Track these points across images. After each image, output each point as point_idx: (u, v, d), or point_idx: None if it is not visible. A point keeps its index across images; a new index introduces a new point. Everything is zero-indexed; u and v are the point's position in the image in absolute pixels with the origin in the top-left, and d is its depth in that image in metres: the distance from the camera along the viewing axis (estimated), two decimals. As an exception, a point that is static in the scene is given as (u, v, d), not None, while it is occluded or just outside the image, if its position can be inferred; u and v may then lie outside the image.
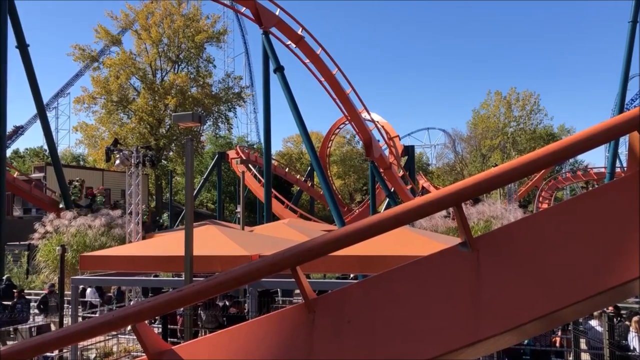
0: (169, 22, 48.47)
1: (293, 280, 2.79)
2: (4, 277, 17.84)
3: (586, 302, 2.60)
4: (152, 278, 13.61)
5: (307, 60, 31.75)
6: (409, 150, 45.96)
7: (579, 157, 61.77)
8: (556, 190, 52.64)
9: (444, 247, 2.83)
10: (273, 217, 31.52)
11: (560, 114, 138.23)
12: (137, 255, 11.18)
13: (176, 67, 50.98)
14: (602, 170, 48.98)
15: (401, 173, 41.16)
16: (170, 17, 48.68)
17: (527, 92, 61.60)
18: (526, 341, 9.94)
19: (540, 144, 56.95)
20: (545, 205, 46.93)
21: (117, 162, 19.90)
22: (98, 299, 16.84)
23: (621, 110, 31.07)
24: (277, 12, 29.71)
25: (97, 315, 15.97)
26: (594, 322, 10.38)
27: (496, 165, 40.64)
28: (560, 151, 2.66)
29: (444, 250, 2.75)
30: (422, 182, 52.11)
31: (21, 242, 27.95)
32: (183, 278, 9.47)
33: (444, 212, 20.32)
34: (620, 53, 30.54)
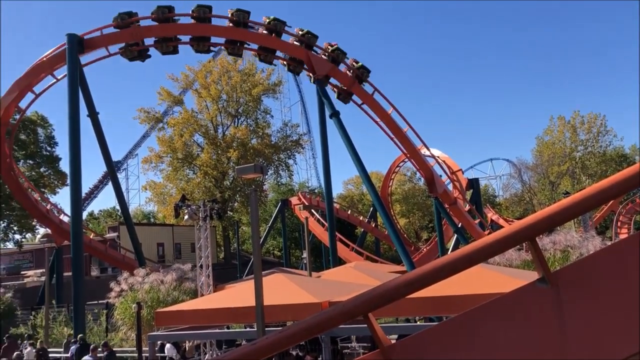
0: (226, 78, 50.40)
1: (364, 325, 2.74)
2: (79, 337, 18.39)
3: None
4: (225, 330, 13.71)
5: (361, 102, 32.07)
6: (473, 184, 45.05)
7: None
8: (635, 213, 49.87)
9: (520, 283, 2.72)
10: (339, 261, 31.35)
11: (632, 133, 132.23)
12: (210, 308, 11.33)
13: (236, 120, 52.64)
14: (684, 188, 46.21)
15: (467, 207, 40.24)
16: (227, 74, 50.65)
17: (592, 114, 59.58)
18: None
19: (612, 166, 54.54)
20: (624, 231, 44.51)
21: (186, 217, 20.44)
22: (176, 354, 17.09)
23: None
24: (323, 55, 30.30)
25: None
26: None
27: (567, 192, 39.13)
28: (636, 176, 2.52)
29: (521, 288, 2.63)
30: (491, 214, 50.68)
31: (99, 301, 28.95)
32: (255, 329, 9.49)
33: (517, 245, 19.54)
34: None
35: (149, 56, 29.24)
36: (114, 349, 16.74)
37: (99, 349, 14.75)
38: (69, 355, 17.10)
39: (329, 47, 30.99)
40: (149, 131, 63.39)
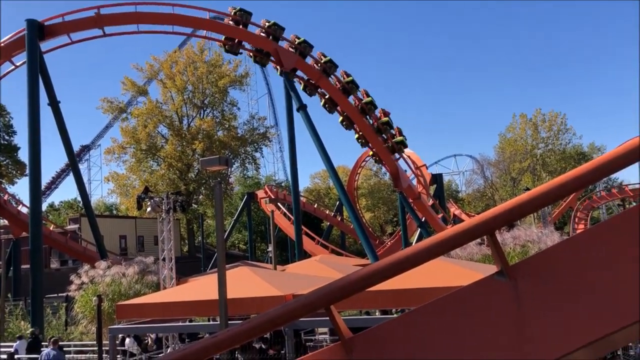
0: (192, 69, 49.74)
1: (328, 318, 2.74)
2: (29, 331, 17.92)
3: (636, 326, 2.49)
4: (187, 324, 13.59)
5: (328, 96, 32.11)
6: (437, 179, 45.68)
7: (613, 175, 60.41)
8: (592, 210, 51.41)
9: (480, 276, 2.76)
10: (305, 254, 31.39)
11: (590, 132, 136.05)
12: (172, 302, 11.20)
13: (202, 112, 52.04)
14: (637, 186, 47.76)
15: (431, 202, 40.78)
16: (194, 64, 49.98)
17: (553, 112, 61.05)
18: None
19: (571, 163, 56.03)
20: (581, 226, 45.84)
21: (149, 209, 20.15)
22: (137, 347, 16.86)
23: (652, 124, 30.45)
24: (289, 47, 30.24)
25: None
26: (645, 345, 9.96)
27: (527, 188, 40.02)
28: (592, 172, 2.59)
29: (480, 281, 2.67)
30: (453, 209, 51.49)
31: (59, 294, 28.34)
32: (218, 322, 9.43)
33: (478, 239, 19.94)
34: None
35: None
36: (72, 344, 16.42)
37: (50, 346, 14.37)
38: (12, 350, 16.53)
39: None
40: (112, 121, 62.15)
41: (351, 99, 32.55)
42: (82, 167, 68.40)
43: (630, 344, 9.38)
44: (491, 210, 2.64)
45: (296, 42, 30.60)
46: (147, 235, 48.09)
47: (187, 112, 51.56)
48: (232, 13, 29.99)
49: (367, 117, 32.92)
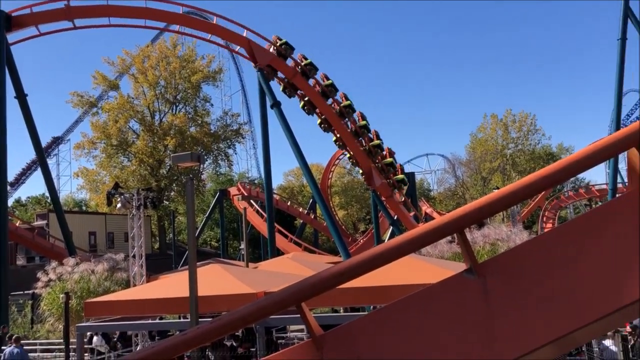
0: (164, 64, 49.14)
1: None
2: None
3: (600, 322, 2.55)
4: (157, 321, 13.45)
5: (303, 95, 32.07)
6: (409, 177, 45.97)
7: (580, 175, 61.71)
8: (559, 209, 52.47)
9: (450, 274, 2.79)
10: (277, 252, 31.33)
11: (559, 132, 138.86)
12: (142, 299, 11.07)
13: (174, 108, 51.46)
14: (604, 186, 48.93)
15: (403, 200, 41.07)
16: (166, 59, 49.38)
17: (523, 113, 62.03)
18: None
19: (540, 163, 57.05)
20: (549, 225, 46.73)
21: (119, 205, 19.87)
22: (105, 346, 16.62)
23: (618, 126, 31.22)
24: (271, 49, 30.15)
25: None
26: (608, 342, 10.21)
27: (497, 188, 40.63)
28: (560, 172, 2.64)
29: (450, 278, 2.71)
30: (425, 208, 51.99)
31: (25, 292, 27.75)
32: (189, 319, 9.35)
33: (448, 238, 20.21)
34: (613, 69, 30.84)
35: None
36: (38, 342, 16.08)
37: (12, 344, 14.05)
38: None
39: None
40: (82, 116, 60.96)
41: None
42: (51, 162, 67.01)
43: (594, 340, 9.62)
44: (461, 208, 2.67)
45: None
46: (117, 232, 47.37)
47: (159, 107, 50.93)
48: (277, 44, 30.37)
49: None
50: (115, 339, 17.56)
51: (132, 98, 49.91)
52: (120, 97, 48.84)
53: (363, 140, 33.91)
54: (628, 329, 10.83)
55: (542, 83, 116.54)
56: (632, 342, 10.24)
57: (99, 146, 48.42)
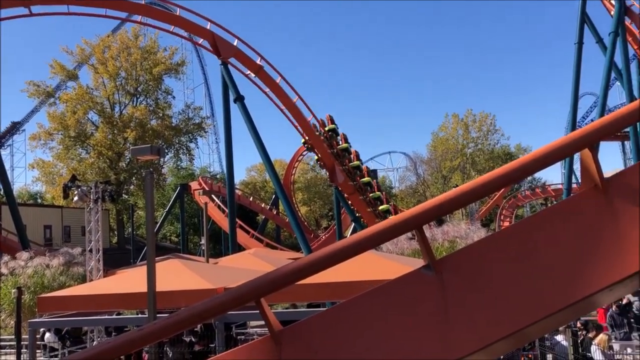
0: (125, 55, 48.15)
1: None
2: None
3: (551, 318, 2.62)
4: (114, 317, 13.20)
5: (267, 89, 31.94)
6: (372, 175, 46.29)
7: (537, 175, 63.37)
8: (516, 208, 53.77)
9: (409, 269, 2.82)
10: (239, 248, 31.15)
11: (517, 133, 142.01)
12: (99, 294, 10.84)
13: (135, 100, 50.52)
14: (560, 186, 50.33)
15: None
16: (127, 50, 48.40)
17: (483, 113, 63.28)
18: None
19: (499, 163, 58.30)
20: (506, 223, 47.82)
21: (76, 198, 19.42)
22: (59, 342, 16.21)
23: (573, 127, 32.15)
24: (235, 42, 29.90)
25: None
26: (559, 337, 10.52)
27: (456, 186, 41.31)
28: (516, 171, 2.70)
29: (408, 274, 2.74)
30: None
31: (-25, 286, 26.80)
32: (147, 315, 9.21)
33: (408, 234, 20.50)
34: (569, 73, 31.72)
35: None
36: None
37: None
38: None
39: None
40: (38, 106, 59.18)
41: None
42: (5, 152, 65.01)
43: (547, 335, 9.90)
44: (420, 205, 2.71)
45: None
46: (74, 226, 46.23)
47: (119, 99, 49.89)
48: (325, 128, 32.74)
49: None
50: (64, 335, 17.14)
51: (92, 89, 48.78)
52: (79, 87, 47.64)
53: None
54: (579, 324, 11.21)
55: (502, 84, 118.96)
56: (582, 337, 10.60)
57: (56, 137, 47.17)
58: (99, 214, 19.45)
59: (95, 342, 16.05)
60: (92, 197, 19.10)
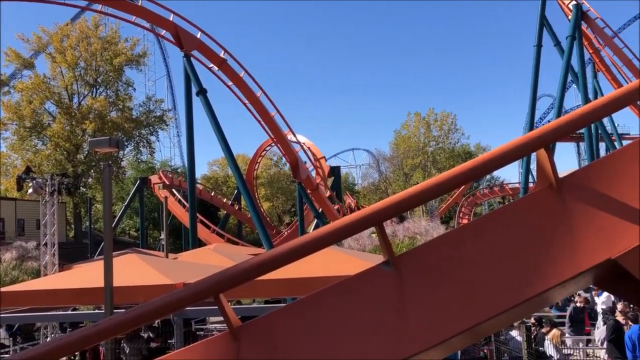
0: (85, 45, 46.97)
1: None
2: None
3: (506, 314, 2.68)
4: (69, 312, 12.89)
5: (230, 83, 31.62)
6: (335, 171, 46.56)
7: (495, 174, 64.75)
8: (475, 206, 54.86)
9: (369, 265, 2.84)
10: (199, 243, 30.80)
11: (477, 133, 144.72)
12: (54, 289, 10.55)
13: (94, 90, 49.37)
14: (517, 185, 51.53)
15: (328, 193, 41.51)
16: (87, 40, 47.22)
17: (445, 112, 64.26)
18: (452, 355, 10.17)
19: (459, 161, 59.30)
20: (465, 221, 48.74)
21: (30, 190, 18.88)
22: (10, 339, 15.75)
23: (531, 128, 32.93)
24: (199, 35, 29.49)
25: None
26: (514, 333, 10.79)
27: (417, 183, 41.92)
28: (474, 169, 2.75)
29: (368, 270, 2.76)
30: (349, 201, 52.81)
31: None
32: (103, 311, 9.03)
33: (370, 231, 20.69)
34: (528, 74, 32.47)
35: None
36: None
37: None
38: None
39: None
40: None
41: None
42: (-45, 142, 62.52)
43: (502, 330, 10.14)
44: (380, 202, 2.73)
45: None
46: (29, 219, 44.88)
47: (78, 89, 48.66)
48: None
49: None
50: (15, 331, 16.66)
51: (49, 78, 47.44)
52: (36, 76, 46.26)
53: None
54: (532, 320, 11.52)
55: (464, 85, 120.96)
56: (535, 332, 10.90)
57: (11, 127, 45.71)
58: (54, 207, 18.96)
59: (48, 339, 15.65)
60: (47, 190, 18.60)
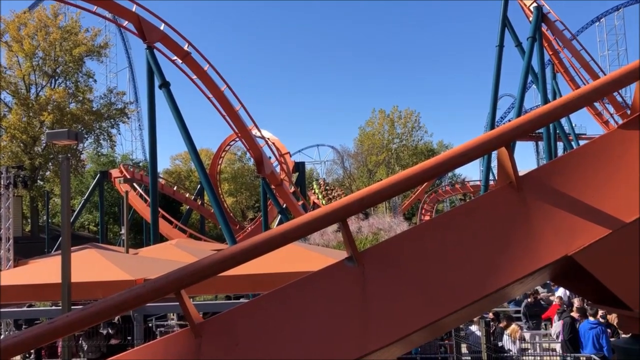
0: (44, 34, 45.61)
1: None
2: None
3: (466, 309, 2.72)
4: (24, 309, 12.55)
5: (194, 76, 31.21)
6: (299, 167, 46.48)
7: (457, 171, 65.80)
8: (437, 202, 55.68)
9: (333, 261, 2.85)
10: (161, 238, 30.37)
11: (439, 131, 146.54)
12: (8, 285, 10.24)
13: (53, 81, 48.02)
14: (478, 183, 52.52)
15: (292, 189, 41.44)
16: (46, 29, 45.84)
17: (409, 110, 64.84)
18: (414, 350, 10.31)
19: (422, 159, 60.02)
20: (427, 217, 49.43)
21: (-16, 183, 18.27)
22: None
23: (492, 127, 33.57)
24: (162, 26, 29.00)
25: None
26: (474, 328, 10.99)
27: (381, 180, 42.26)
28: (436, 167, 2.78)
29: (331, 266, 2.76)
30: (313, 197, 52.88)
31: None
32: (61, 307, 8.81)
33: (335, 227, 20.77)
34: (490, 74, 33.07)
35: None
36: None
37: None
38: None
39: None
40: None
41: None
42: None
43: (462, 325, 10.33)
44: (344, 198, 2.73)
45: None
46: (-18, 213, 43.50)
47: (35, 80, 47.24)
48: None
49: None
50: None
51: (5, 68, 45.88)
52: (-10, 65, 44.71)
53: None
54: (491, 315, 11.78)
55: (427, 83, 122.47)
56: (494, 327, 11.15)
57: (-37, 118, 44.09)
58: (10, 200, 18.42)
59: (2, 337, 15.20)
60: (2, 183, 18.06)
